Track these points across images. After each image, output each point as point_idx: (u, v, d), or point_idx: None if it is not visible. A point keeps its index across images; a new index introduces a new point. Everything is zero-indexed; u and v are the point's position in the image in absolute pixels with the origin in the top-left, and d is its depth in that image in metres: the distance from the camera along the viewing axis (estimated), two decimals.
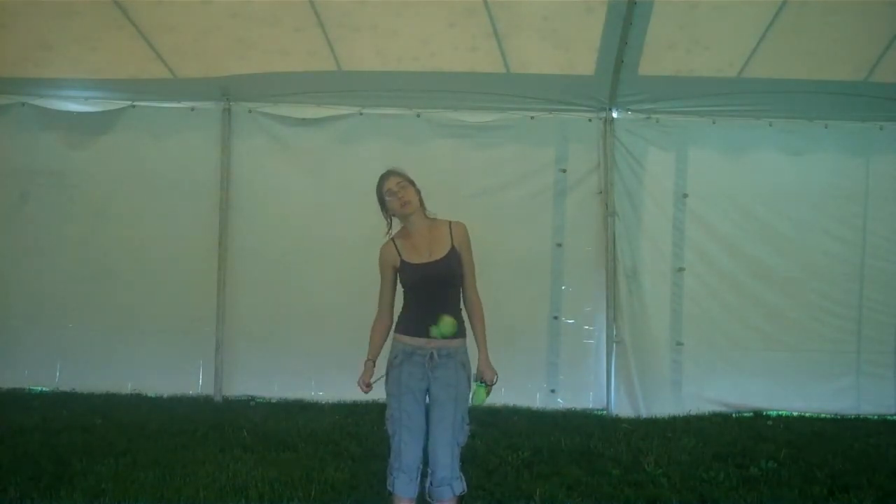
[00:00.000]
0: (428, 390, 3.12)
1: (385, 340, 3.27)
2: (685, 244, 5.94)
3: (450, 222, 3.24)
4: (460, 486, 3.08)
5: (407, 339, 3.14)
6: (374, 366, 3.22)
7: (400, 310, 3.26)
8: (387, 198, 3.22)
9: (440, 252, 3.17)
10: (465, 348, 3.19)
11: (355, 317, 5.57)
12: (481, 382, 3.19)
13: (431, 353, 3.08)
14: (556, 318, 5.94)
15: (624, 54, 5.33)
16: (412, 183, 3.24)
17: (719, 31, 5.31)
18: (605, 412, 5.85)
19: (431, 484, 3.06)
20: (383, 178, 3.25)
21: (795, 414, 5.92)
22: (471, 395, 3.16)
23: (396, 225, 3.32)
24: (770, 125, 5.92)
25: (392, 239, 3.26)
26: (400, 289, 3.26)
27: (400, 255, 3.18)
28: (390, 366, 3.15)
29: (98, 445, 4.57)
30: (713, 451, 4.82)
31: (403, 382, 3.10)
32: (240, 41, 5.41)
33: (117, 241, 5.97)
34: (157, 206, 5.94)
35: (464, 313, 3.26)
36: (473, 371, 3.21)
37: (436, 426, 3.08)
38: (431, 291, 3.15)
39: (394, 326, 3.22)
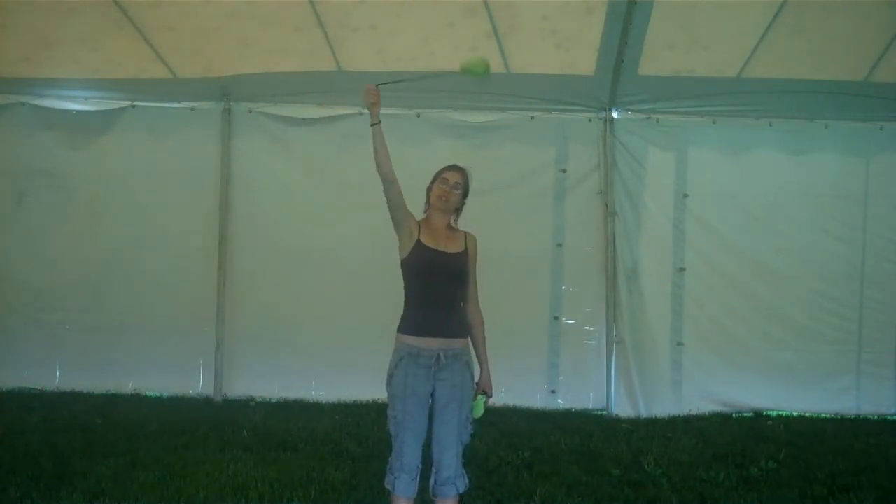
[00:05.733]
0: (432, 391, 3.10)
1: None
2: (685, 244, 5.94)
3: (465, 232, 3.28)
4: (464, 484, 3.09)
5: (412, 340, 3.08)
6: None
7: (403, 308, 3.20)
8: (439, 181, 3.22)
9: (454, 249, 3.18)
10: (468, 349, 3.19)
11: (355, 317, 5.73)
12: (483, 394, 3.19)
13: (438, 355, 3.05)
14: (556, 318, 5.94)
15: (624, 54, 5.33)
16: (466, 191, 3.27)
17: (719, 31, 5.31)
18: (605, 412, 5.85)
19: (436, 483, 3.06)
20: (451, 168, 3.27)
21: (795, 414, 5.92)
22: (471, 407, 3.15)
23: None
24: (770, 125, 5.92)
25: (418, 220, 3.23)
26: (401, 288, 3.21)
27: (419, 234, 3.16)
28: (394, 367, 3.09)
29: (98, 445, 4.57)
30: (713, 451, 4.82)
31: (408, 385, 3.05)
32: (240, 41, 5.42)
33: (117, 240, 5.96)
34: (157, 206, 5.94)
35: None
36: (476, 375, 3.21)
37: (441, 427, 3.07)
38: (441, 285, 3.11)
39: (397, 326, 3.16)
